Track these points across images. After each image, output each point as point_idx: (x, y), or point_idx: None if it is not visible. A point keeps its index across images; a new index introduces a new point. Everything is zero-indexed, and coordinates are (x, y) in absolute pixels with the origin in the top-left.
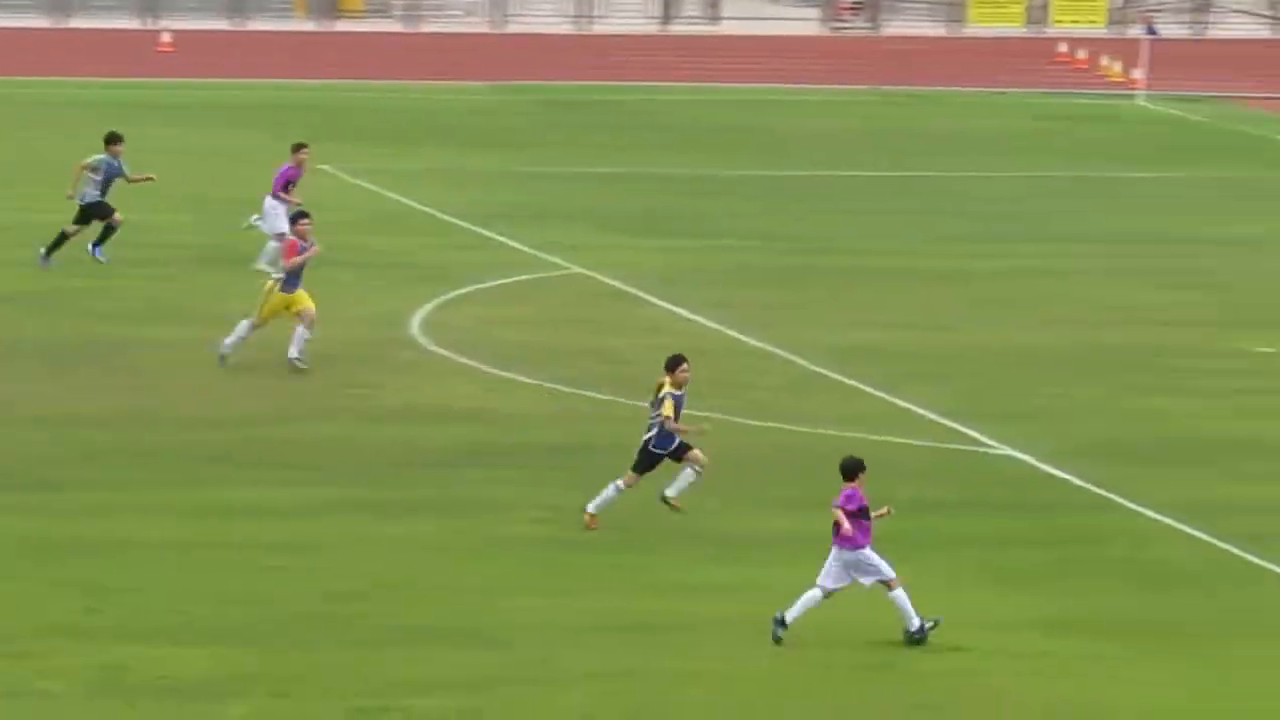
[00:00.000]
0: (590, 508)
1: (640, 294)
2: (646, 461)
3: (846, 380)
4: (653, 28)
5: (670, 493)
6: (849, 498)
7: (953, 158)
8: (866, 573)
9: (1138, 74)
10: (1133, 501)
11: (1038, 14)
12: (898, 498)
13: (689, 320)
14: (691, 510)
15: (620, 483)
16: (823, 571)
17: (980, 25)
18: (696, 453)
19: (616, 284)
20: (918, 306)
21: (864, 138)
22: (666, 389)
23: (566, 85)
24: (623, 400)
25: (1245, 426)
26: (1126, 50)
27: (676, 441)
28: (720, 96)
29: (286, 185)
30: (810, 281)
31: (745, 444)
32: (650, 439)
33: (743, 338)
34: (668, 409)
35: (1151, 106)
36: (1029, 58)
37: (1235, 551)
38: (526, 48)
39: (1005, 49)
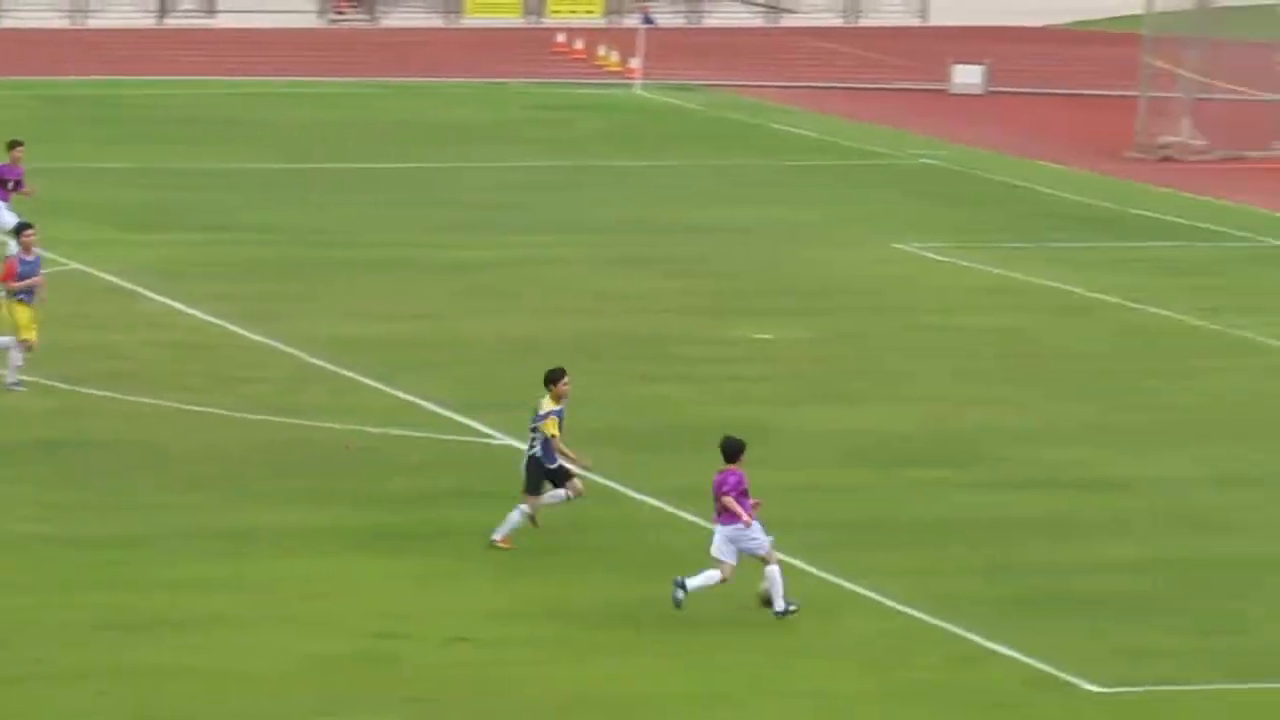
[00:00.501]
0: (496, 536)
1: (139, 289)
2: (536, 479)
3: (345, 372)
4: (149, 21)
5: (535, 506)
6: (737, 482)
7: (452, 148)
8: (747, 548)
9: (635, 63)
10: (636, 489)
11: (535, 4)
12: (398, 490)
13: (188, 314)
14: (185, 507)
15: (524, 507)
16: (713, 548)
17: (478, 16)
18: (578, 483)
19: (114, 279)
20: (417, 298)
21: (364, 130)
22: (548, 406)
23: (62, 80)
24: (120, 396)
25: (744, 412)
26: (624, 40)
27: (558, 460)
28: (220, 90)
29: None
30: (312, 274)
31: (240, 439)
32: (536, 455)
33: (243, 331)
34: (553, 427)
35: (648, 95)
36: (528, 48)
37: None
38: (21, 42)
39: (504, 40)
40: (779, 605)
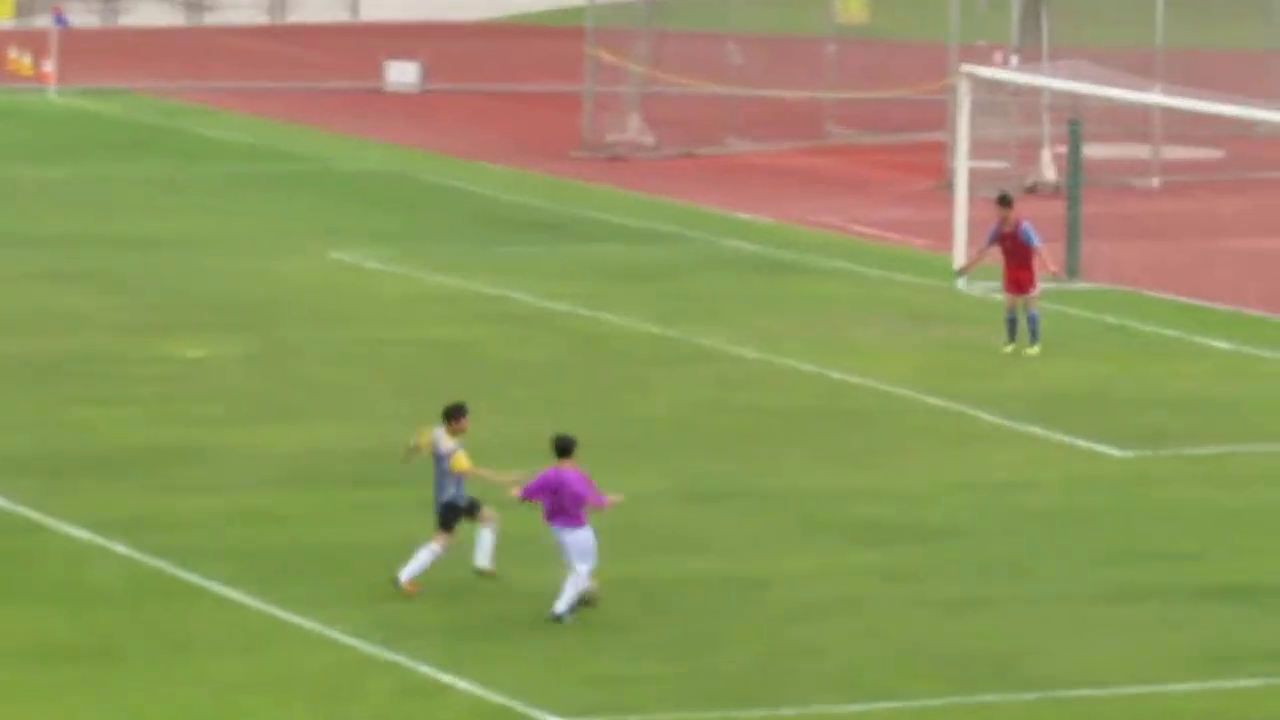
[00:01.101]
0: (404, 576)
1: None
2: (451, 517)
3: None
4: None
5: (484, 564)
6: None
7: None
8: (586, 556)
9: (49, 67)
10: (62, 520)
11: None
12: None
13: None
14: None
15: (435, 546)
16: (567, 553)
17: None
18: (488, 510)
19: None
20: None
21: None
22: (450, 441)
23: None
24: None
25: (180, 434)
26: (37, 42)
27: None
28: None
29: None
30: None
31: None
32: (452, 495)
33: None
34: (466, 463)
35: (65, 101)
36: None
37: (167, 568)
38: None
39: None
40: (561, 607)
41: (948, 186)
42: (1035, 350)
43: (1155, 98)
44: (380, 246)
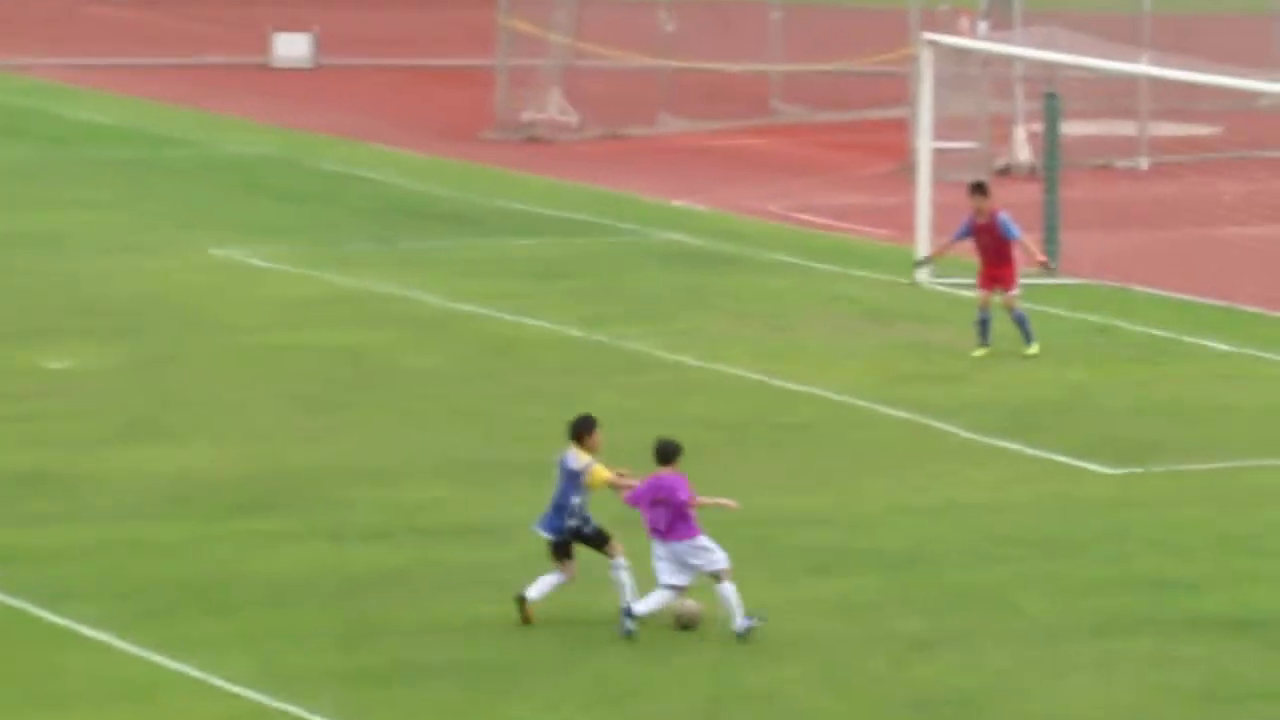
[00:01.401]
0: (532, 593)
1: None
2: (572, 546)
3: None
4: None
5: (643, 609)
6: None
7: None
8: (701, 563)
9: None
10: None
11: None
12: None
13: None
14: None
15: (563, 576)
16: (661, 573)
17: None
18: (618, 544)
19: None
20: None
21: None
22: (584, 457)
23: None
24: None
25: (39, 457)
26: None
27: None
28: None
29: None
30: None
31: None
32: (577, 524)
33: None
34: (607, 473)
35: None
36: None
37: (30, 609)
38: None
39: None
40: (741, 622)
41: (909, 170)
42: (1034, 350)
43: (1142, 68)
44: (268, 242)
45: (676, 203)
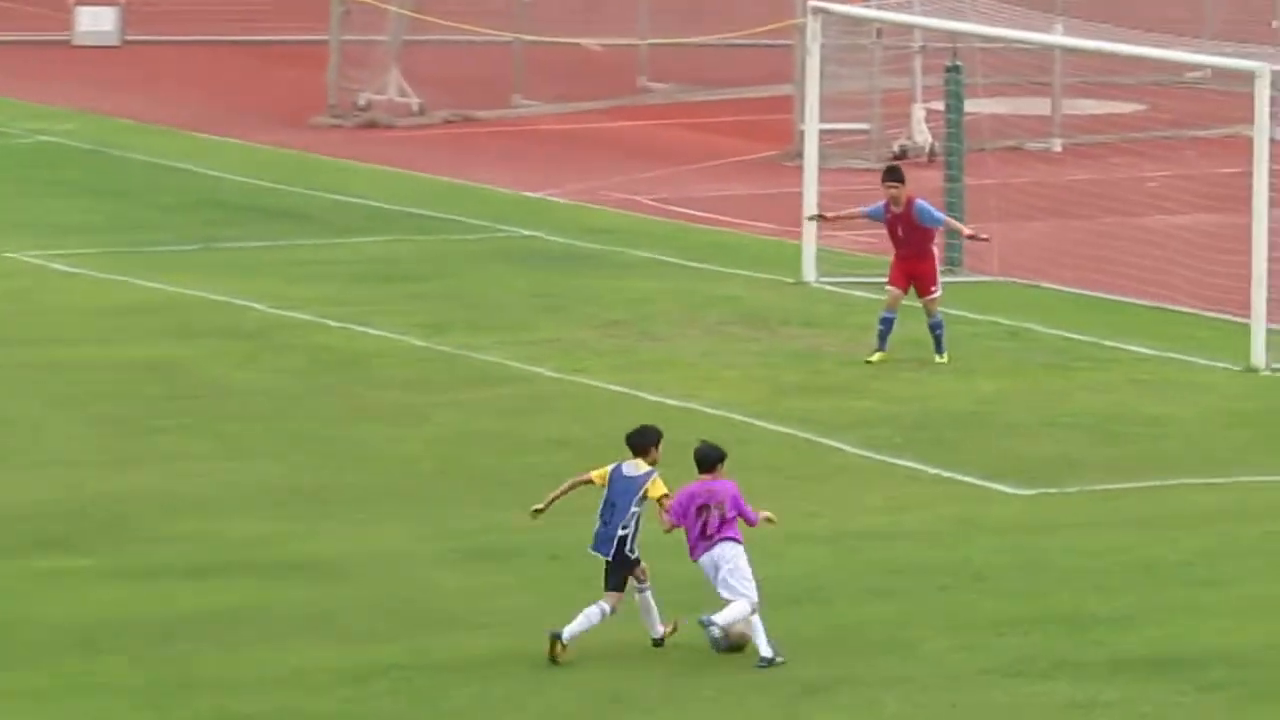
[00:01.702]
0: (567, 634)
1: None
2: (626, 573)
3: None
4: None
5: (661, 631)
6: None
7: None
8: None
9: None
10: None
11: None
12: None
13: None
14: None
15: (606, 606)
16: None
17: None
18: (645, 568)
19: None
20: None
21: None
22: (644, 467)
23: None
24: None
25: None
26: None
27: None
28: None
29: None
30: None
31: None
32: (628, 548)
33: None
34: (664, 487)
35: None
36: None
37: None
38: None
39: None
40: (766, 651)
41: (795, 155)
42: (944, 359)
43: (1057, 38)
44: (70, 243)
45: (532, 194)
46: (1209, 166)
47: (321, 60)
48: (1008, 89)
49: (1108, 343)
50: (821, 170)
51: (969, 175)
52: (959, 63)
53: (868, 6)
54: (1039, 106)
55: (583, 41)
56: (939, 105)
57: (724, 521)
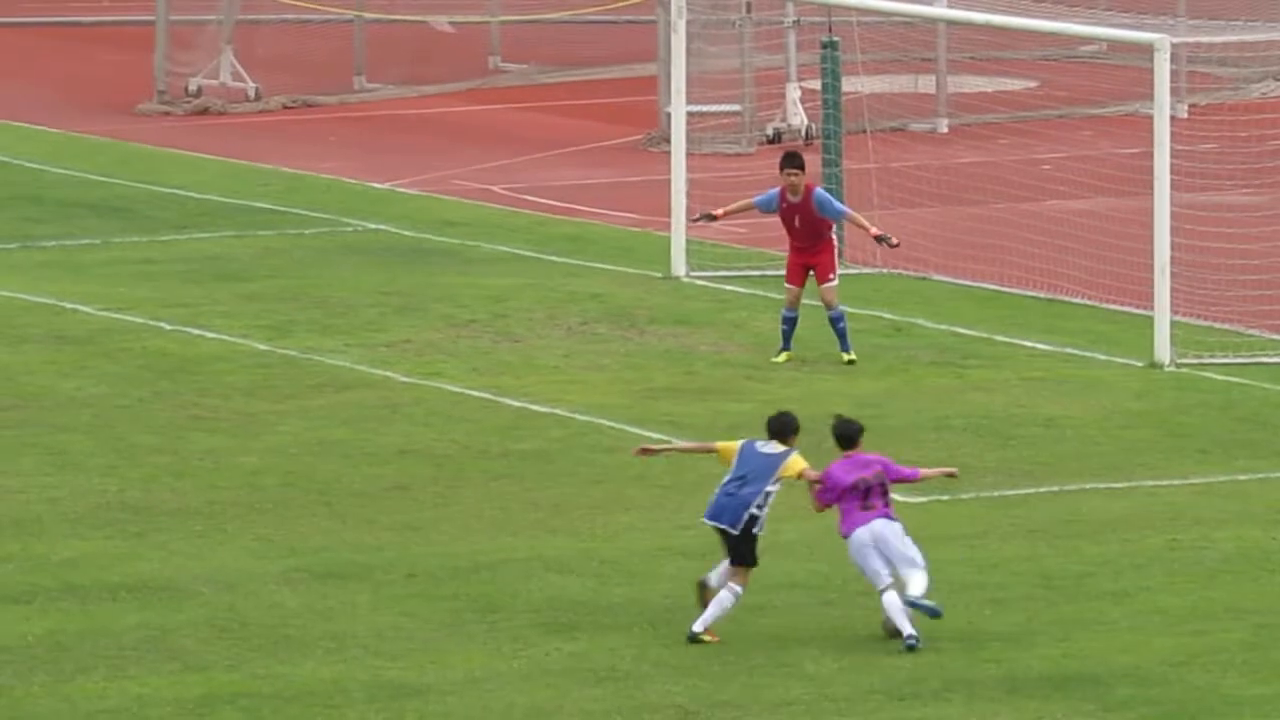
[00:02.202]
0: (699, 627)
1: None
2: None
3: None
4: None
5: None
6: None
7: None
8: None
9: None
10: None
11: None
12: None
13: None
14: None
15: (738, 587)
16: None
17: None
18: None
19: None
20: None
21: None
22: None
23: None
24: None
25: None
26: None
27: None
28: None
29: None
30: None
31: None
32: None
33: None
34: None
35: None
36: None
37: None
38: None
39: None
40: (909, 630)
41: (661, 140)
42: (852, 357)
43: (940, 10)
44: None
45: (377, 185)
46: (1107, 147)
47: (148, 42)
48: (889, 66)
49: (1000, 338)
50: (690, 155)
51: (848, 159)
52: (836, 38)
53: None
54: (923, 84)
55: (431, 20)
56: (815, 84)
57: (884, 492)
